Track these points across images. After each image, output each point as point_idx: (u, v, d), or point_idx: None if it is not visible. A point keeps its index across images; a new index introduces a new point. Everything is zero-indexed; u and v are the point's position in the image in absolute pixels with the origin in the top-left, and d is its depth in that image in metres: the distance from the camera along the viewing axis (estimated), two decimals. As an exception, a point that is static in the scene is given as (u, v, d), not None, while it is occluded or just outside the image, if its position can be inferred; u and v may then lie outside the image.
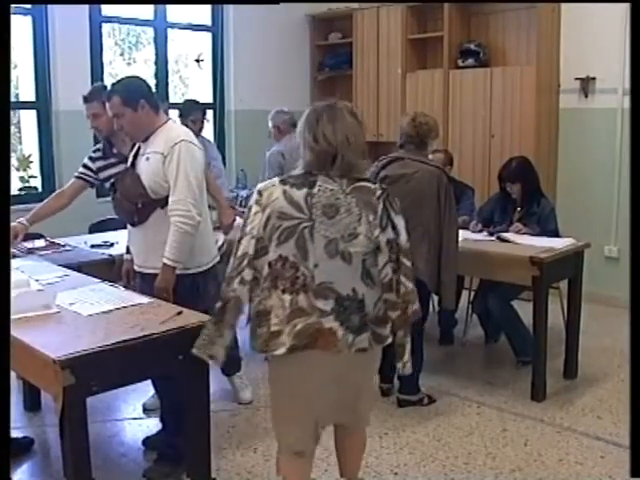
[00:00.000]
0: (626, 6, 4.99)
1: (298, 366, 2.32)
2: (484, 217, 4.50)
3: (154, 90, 3.29)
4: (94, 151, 3.62)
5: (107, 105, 3.08)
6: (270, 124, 5.00)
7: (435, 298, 4.13)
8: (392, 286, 2.34)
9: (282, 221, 2.29)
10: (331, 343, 2.28)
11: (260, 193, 2.35)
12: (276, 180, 2.36)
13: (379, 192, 2.33)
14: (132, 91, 3.04)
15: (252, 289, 2.34)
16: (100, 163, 3.55)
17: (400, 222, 2.36)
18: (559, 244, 3.97)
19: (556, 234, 4.25)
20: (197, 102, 5.15)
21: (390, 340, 2.42)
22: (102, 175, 3.56)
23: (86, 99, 3.47)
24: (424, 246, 3.52)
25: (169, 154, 2.97)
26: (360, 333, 2.31)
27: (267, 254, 2.31)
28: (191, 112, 4.81)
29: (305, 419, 2.42)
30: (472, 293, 4.70)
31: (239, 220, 3.28)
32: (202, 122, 4.92)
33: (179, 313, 2.60)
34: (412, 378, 3.78)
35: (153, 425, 3.53)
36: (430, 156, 4.16)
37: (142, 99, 3.03)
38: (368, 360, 2.45)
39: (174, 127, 3.13)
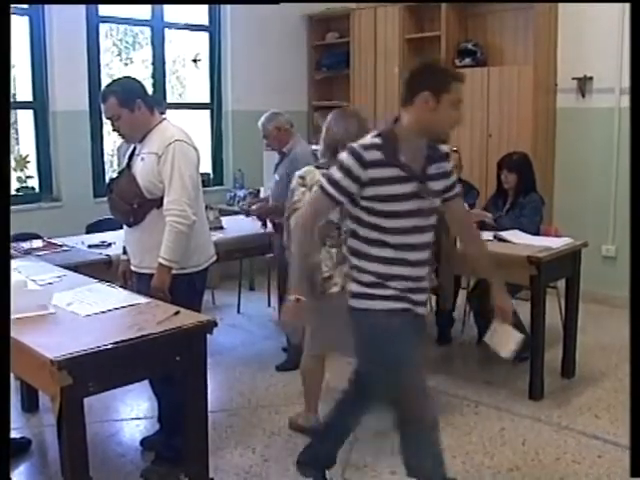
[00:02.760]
0: (623, 5, 5.01)
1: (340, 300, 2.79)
2: None
3: (151, 91, 3.29)
4: (365, 147, 2.35)
5: (102, 107, 3.08)
6: (271, 125, 4.44)
7: (432, 298, 4.14)
8: None
9: None
10: None
11: (303, 177, 3.13)
12: (311, 167, 3.17)
13: None
14: (128, 92, 3.03)
15: None
16: (377, 172, 2.33)
17: None
18: (556, 243, 3.97)
19: (534, 225, 4.27)
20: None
21: None
22: (376, 191, 2.35)
23: None
24: None
25: (163, 154, 2.97)
26: None
27: None
28: None
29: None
30: (469, 291, 4.71)
31: None
32: None
33: (176, 313, 2.60)
34: None
35: (151, 425, 3.52)
36: None
37: (138, 99, 3.02)
38: None
39: (169, 127, 3.12)
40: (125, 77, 3.33)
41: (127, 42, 6.48)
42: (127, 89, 3.05)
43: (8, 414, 2.14)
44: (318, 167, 3.13)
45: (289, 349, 4.32)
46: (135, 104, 3.01)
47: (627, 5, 4.60)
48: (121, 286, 3.19)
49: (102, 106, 3.07)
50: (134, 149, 3.15)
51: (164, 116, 3.25)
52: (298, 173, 3.20)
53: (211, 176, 6.50)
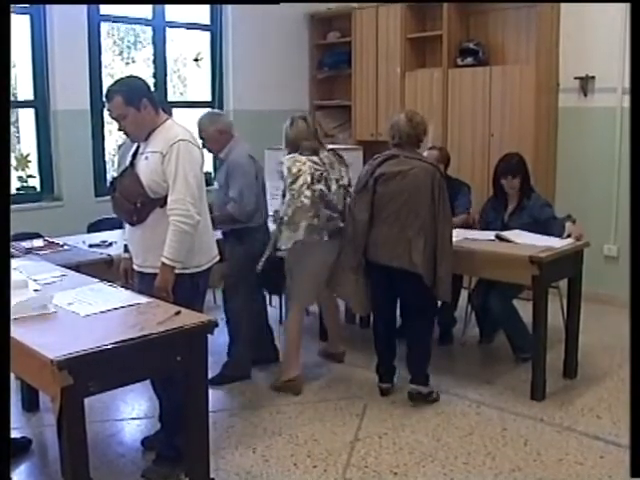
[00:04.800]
0: (625, 5, 4.99)
1: (327, 246, 3.90)
2: (484, 220, 4.56)
3: (153, 89, 3.28)
4: None
5: (107, 106, 3.06)
6: (213, 128, 4.03)
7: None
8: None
9: (314, 172, 3.80)
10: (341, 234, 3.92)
11: (295, 163, 3.82)
12: (295, 155, 3.87)
13: (340, 155, 4.01)
14: (134, 90, 3.02)
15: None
16: None
17: (348, 169, 4.02)
18: (558, 243, 3.96)
19: (554, 218, 4.28)
20: None
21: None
22: None
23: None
24: (420, 241, 3.60)
25: (168, 153, 2.96)
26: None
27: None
28: None
29: (321, 283, 4.04)
30: (471, 290, 4.69)
31: None
32: None
33: (177, 313, 2.59)
34: (423, 368, 3.80)
35: (152, 425, 3.52)
36: (425, 153, 4.20)
37: (144, 98, 3.02)
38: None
39: (173, 126, 3.11)
40: (130, 76, 3.32)
41: (129, 41, 6.47)
42: (133, 88, 3.04)
43: (8, 414, 2.14)
44: (301, 154, 3.88)
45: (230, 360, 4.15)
46: (141, 103, 3.00)
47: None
48: (122, 285, 3.18)
49: (107, 105, 3.06)
50: (137, 148, 3.14)
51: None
52: (288, 163, 3.84)
53: (212, 175, 6.48)
